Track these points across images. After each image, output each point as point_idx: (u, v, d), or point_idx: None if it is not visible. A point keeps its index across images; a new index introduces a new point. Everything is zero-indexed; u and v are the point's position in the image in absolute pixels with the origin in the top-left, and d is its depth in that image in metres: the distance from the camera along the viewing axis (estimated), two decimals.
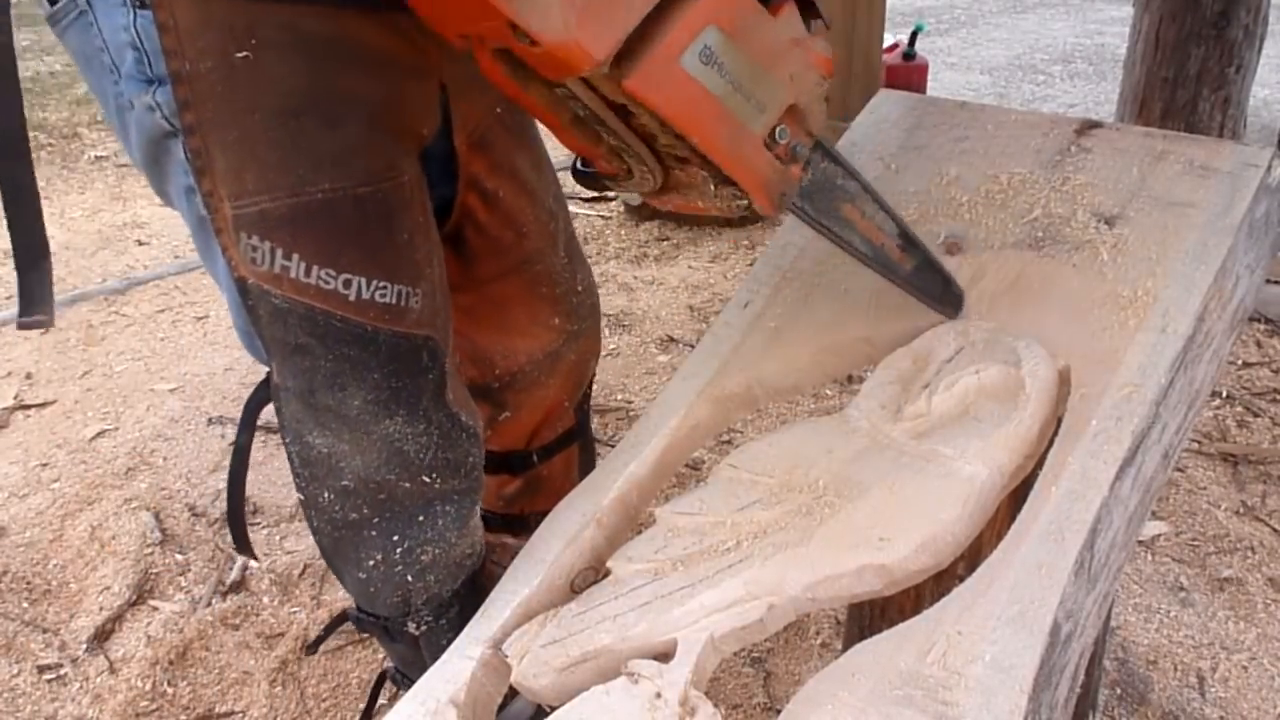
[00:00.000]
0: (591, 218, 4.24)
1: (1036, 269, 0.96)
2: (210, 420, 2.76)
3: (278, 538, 2.32)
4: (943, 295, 0.95)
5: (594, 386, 3.03)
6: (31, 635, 1.97)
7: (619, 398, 2.87)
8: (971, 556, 0.79)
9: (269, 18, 0.87)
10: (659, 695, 0.74)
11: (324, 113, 0.91)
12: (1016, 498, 0.81)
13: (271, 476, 2.54)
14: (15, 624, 1.99)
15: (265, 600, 2.12)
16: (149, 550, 2.26)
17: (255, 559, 2.01)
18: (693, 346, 1.05)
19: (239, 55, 0.85)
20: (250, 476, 2.56)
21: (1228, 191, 0.94)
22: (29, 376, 3.00)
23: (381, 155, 0.97)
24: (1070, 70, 6.61)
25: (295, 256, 0.93)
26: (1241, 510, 2.31)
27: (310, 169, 0.91)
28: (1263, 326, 3.11)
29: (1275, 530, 2.24)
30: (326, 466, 1.06)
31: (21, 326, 0.95)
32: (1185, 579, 2.10)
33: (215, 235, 0.93)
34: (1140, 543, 2.19)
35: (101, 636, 1.97)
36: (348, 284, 0.95)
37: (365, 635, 1.79)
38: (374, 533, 1.11)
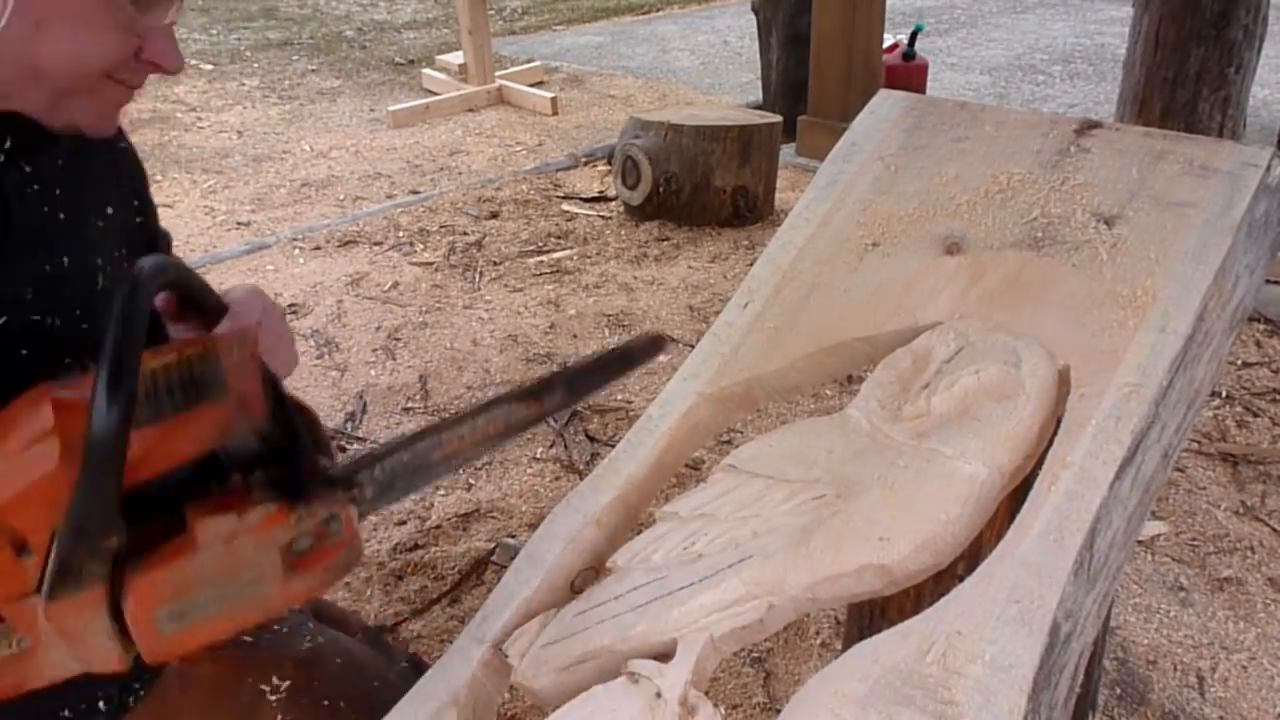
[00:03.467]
0: (591, 218, 4.24)
1: (1036, 269, 0.96)
2: None
3: None
4: (624, 362, 0.89)
5: None
6: None
7: (619, 398, 2.88)
8: (971, 556, 0.79)
9: None
10: (659, 695, 0.74)
11: None
12: (1016, 498, 0.81)
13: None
14: None
15: None
16: None
17: None
18: (693, 346, 1.05)
19: None
20: None
21: (1227, 191, 0.94)
22: None
23: None
24: (1070, 70, 6.61)
25: None
26: (1241, 510, 2.31)
27: None
28: (1263, 326, 3.11)
29: (1275, 530, 2.24)
30: None
31: None
32: (1185, 579, 2.11)
33: None
34: (1140, 543, 2.19)
35: None
36: None
37: None
38: None
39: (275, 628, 1.19)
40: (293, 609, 0.86)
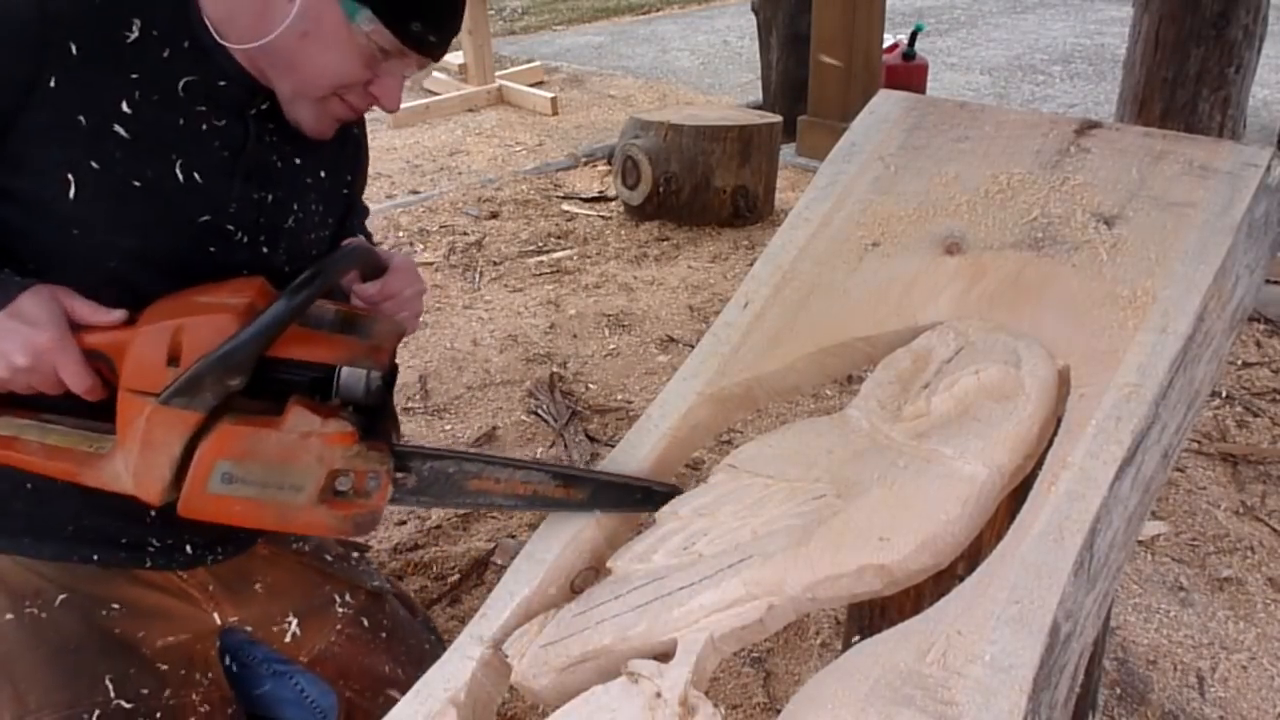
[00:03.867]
0: (592, 218, 4.24)
1: (1036, 269, 0.96)
2: None
3: None
4: (644, 500, 0.96)
5: (595, 386, 3.04)
6: None
7: (619, 398, 2.88)
8: (971, 556, 0.79)
9: (51, 580, 1.13)
10: (659, 695, 0.74)
11: (98, 648, 1.12)
12: (1016, 498, 0.81)
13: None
14: None
15: None
16: None
17: None
18: (693, 346, 1.05)
19: (26, 609, 1.10)
20: None
21: (1227, 191, 0.94)
22: None
23: (152, 676, 1.14)
24: (1070, 70, 6.61)
25: None
26: (1241, 510, 2.31)
27: (86, 691, 1.08)
28: (1263, 326, 3.11)
29: (1275, 530, 2.24)
30: None
31: None
32: (1185, 579, 2.11)
33: None
34: (1140, 543, 2.19)
35: None
36: None
37: None
38: None
39: (354, 559, 1.40)
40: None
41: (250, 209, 1.12)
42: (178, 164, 1.05)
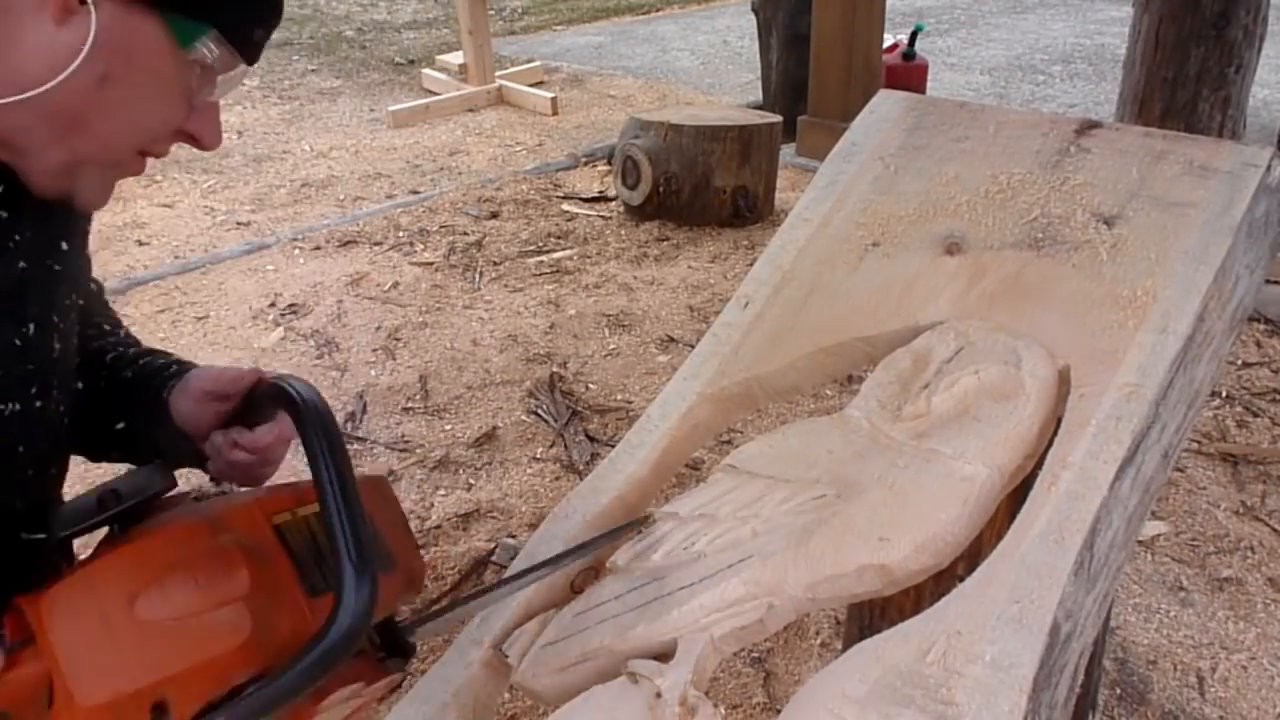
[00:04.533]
0: (591, 218, 4.24)
1: (1036, 269, 0.96)
2: None
3: None
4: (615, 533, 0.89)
5: (595, 386, 3.04)
6: None
7: (619, 398, 2.88)
8: (971, 556, 0.79)
9: None
10: (659, 695, 0.74)
11: None
12: (1016, 498, 0.81)
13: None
14: None
15: None
16: None
17: None
18: (693, 346, 1.05)
19: None
20: None
21: (1227, 191, 0.94)
22: None
23: None
24: (1070, 70, 6.61)
25: None
26: (1241, 510, 2.31)
27: None
28: (1263, 326, 3.11)
29: (1275, 530, 2.24)
30: None
31: None
32: (1185, 579, 2.11)
33: None
34: (1140, 543, 2.19)
35: None
36: None
37: None
38: None
39: None
40: None
41: (13, 362, 0.76)
42: None
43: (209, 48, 0.72)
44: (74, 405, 0.86)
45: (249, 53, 0.76)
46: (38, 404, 0.79)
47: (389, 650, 0.72)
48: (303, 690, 0.56)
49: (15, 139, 0.69)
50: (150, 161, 0.79)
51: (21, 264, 0.75)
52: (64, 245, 0.82)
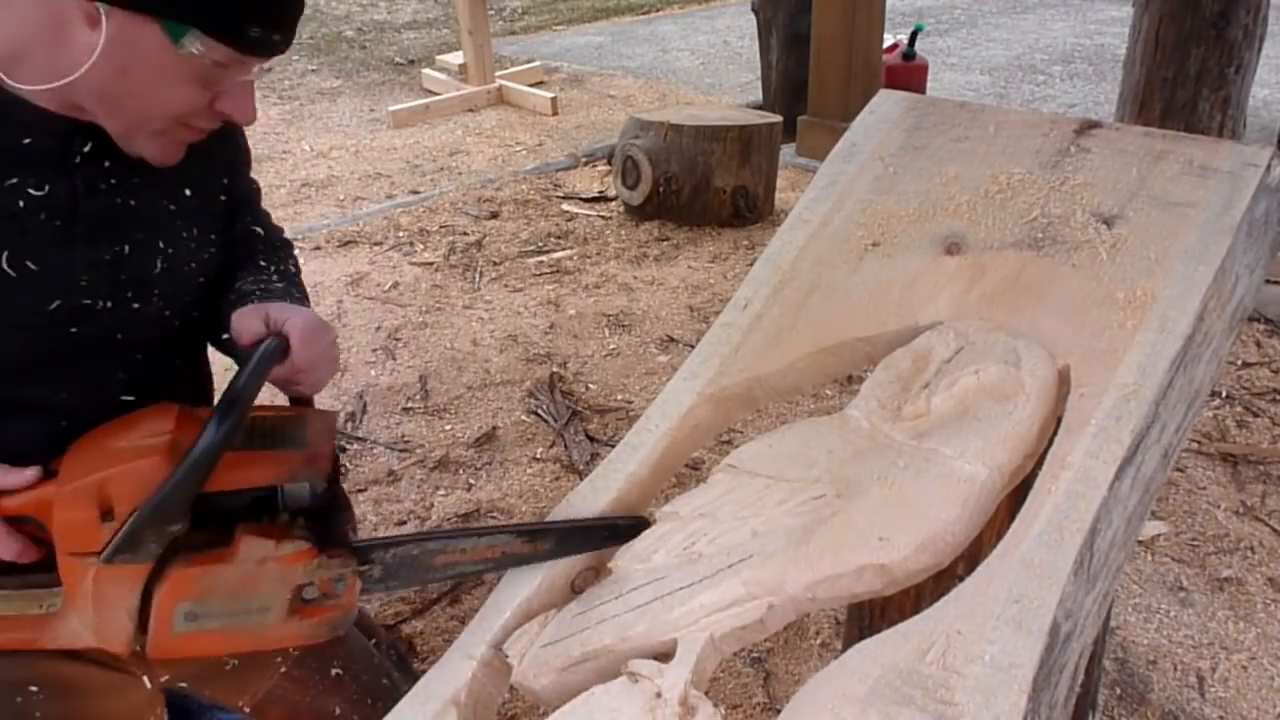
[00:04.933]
0: (591, 218, 4.24)
1: (1036, 269, 0.96)
2: None
3: None
4: (610, 536, 0.94)
5: (595, 386, 3.04)
6: None
7: (619, 398, 2.88)
8: (971, 556, 0.79)
9: None
10: (659, 695, 0.74)
11: None
12: (1016, 497, 0.81)
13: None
14: None
15: None
16: None
17: None
18: (693, 346, 1.05)
19: None
20: None
21: (1227, 191, 0.94)
22: None
23: None
24: (1070, 70, 6.61)
25: None
26: (1241, 510, 2.31)
27: None
28: (1263, 326, 3.11)
29: (1275, 530, 2.24)
30: None
31: None
32: (1185, 579, 2.11)
33: None
34: (1140, 543, 2.19)
35: None
36: None
37: None
38: None
39: None
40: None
41: (105, 271, 0.99)
42: (3, 257, 0.91)
43: (198, 44, 0.86)
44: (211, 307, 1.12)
45: (246, 46, 0.89)
46: (135, 305, 1.02)
47: (320, 534, 0.90)
48: (180, 487, 0.82)
49: (86, 112, 0.91)
50: None
51: (118, 199, 0.99)
52: (187, 192, 1.06)
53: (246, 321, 1.03)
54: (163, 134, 0.94)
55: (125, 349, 1.05)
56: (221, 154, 1.13)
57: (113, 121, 0.92)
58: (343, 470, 1.01)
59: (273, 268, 1.19)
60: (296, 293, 1.16)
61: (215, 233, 1.13)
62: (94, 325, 1.00)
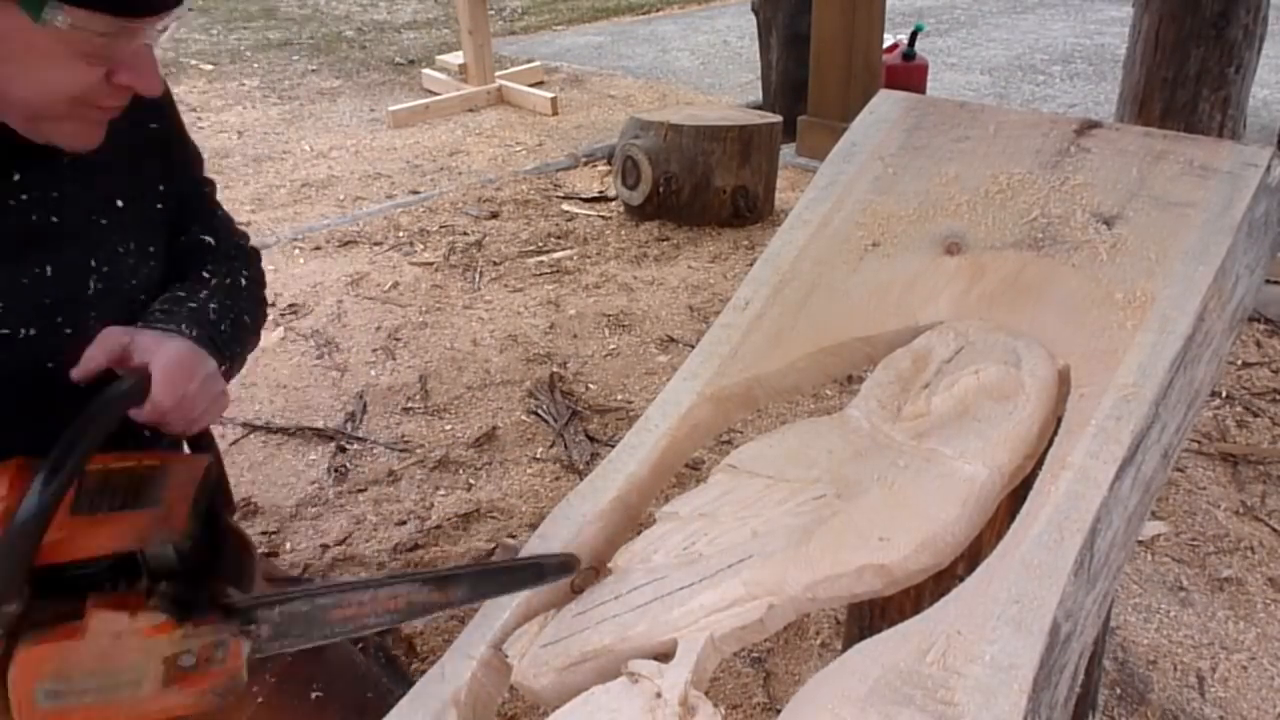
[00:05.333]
0: (591, 218, 4.24)
1: (1036, 269, 0.96)
2: None
3: (279, 539, 2.32)
4: (538, 576, 0.88)
5: (595, 386, 3.03)
6: None
7: (619, 398, 2.88)
8: (971, 556, 0.79)
9: None
10: (659, 695, 0.74)
11: None
12: (1016, 497, 0.81)
13: (272, 476, 2.54)
14: None
15: None
16: None
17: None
18: (693, 346, 1.05)
19: None
20: (250, 476, 2.57)
21: (1227, 191, 0.94)
22: None
23: None
24: (1070, 70, 6.61)
25: None
26: (1241, 510, 2.31)
27: None
28: (1263, 326, 3.11)
29: (1275, 530, 2.24)
30: None
31: None
32: (1185, 579, 2.11)
33: None
34: (1140, 543, 2.19)
35: None
36: None
37: None
38: None
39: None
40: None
41: (27, 295, 0.91)
42: None
43: (60, 15, 0.79)
44: None
45: (117, 7, 0.81)
46: (67, 331, 0.94)
47: (187, 600, 0.82)
48: (3, 565, 0.73)
49: None
50: None
51: (34, 217, 0.91)
52: (119, 203, 0.98)
53: (92, 350, 0.92)
54: (69, 119, 0.87)
55: (57, 379, 0.95)
56: (154, 160, 1.04)
57: (11, 115, 0.86)
58: (235, 507, 0.90)
59: (212, 280, 1.09)
60: (192, 325, 1.01)
61: (156, 244, 1.04)
62: (21, 358, 0.92)
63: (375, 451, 2.65)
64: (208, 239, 1.14)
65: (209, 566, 0.86)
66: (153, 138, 1.01)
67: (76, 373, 0.91)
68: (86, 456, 0.78)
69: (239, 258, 1.17)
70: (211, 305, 1.06)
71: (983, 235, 1.00)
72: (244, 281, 1.13)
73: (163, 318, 1.00)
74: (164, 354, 0.91)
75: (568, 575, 0.89)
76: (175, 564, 0.83)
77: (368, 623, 0.85)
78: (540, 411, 2.80)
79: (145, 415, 0.91)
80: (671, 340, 3.19)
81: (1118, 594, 2.04)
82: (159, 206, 1.05)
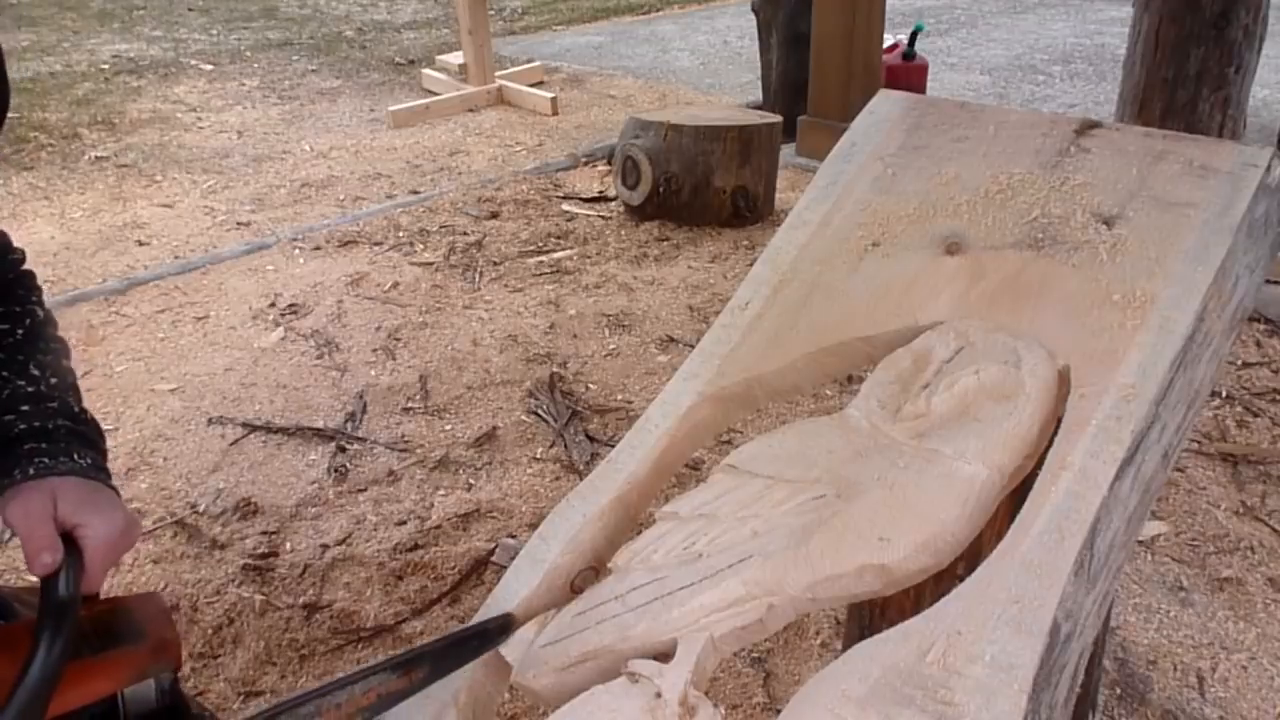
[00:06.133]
0: (591, 218, 4.24)
1: (1036, 269, 0.96)
2: (210, 420, 2.76)
3: (279, 539, 2.32)
4: (481, 643, 0.87)
5: (595, 386, 3.03)
6: None
7: (619, 398, 2.88)
8: (971, 556, 0.79)
9: None
10: (659, 695, 0.74)
11: None
12: (1016, 497, 0.81)
13: (271, 476, 2.54)
14: None
15: (268, 598, 2.12)
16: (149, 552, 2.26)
17: None
18: (693, 346, 1.05)
19: None
20: (250, 476, 2.57)
21: (1227, 192, 0.94)
22: None
23: None
24: (1070, 70, 6.61)
25: None
26: (1241, 510, 2.31)
27: None
28: (1263, 326, 3.11)
29: (1275, 530, 2.24)
30: None
31: None
32: (1185, 579, 2.11)
33: None
34: (1140, 543, 2.19)
35: None
36: None
37: None
38: None
39: None
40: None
41: None
42: None
43: None
44: None
45: None
46: None
47: None
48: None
49: None
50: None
51: None
52: None
53: (35, 533, 0.84)
54: None
55: None
56: None
57: None
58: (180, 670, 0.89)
59: (31, 364, 0.97)
60: (80, 448, 0.92)
61: None
62: None
63: (375, 451, 2.65)
64: None
65: (180, 704, 0.84)
66: None
67: (37, 570, 0.83)
68: (76, 614, 0.76)
69: (21, 281, 1.04)
70: (68, 389, 0.97)
71: (983, 235, 1.00)
72: (41, 314, 1.02)
73: (45, 445, 0.91)
74: (94, 531, 0.85)
75: (507, 635, 0.88)
76: (153, 704, 0.81)
77: None
78: (540, 411, 2.80)
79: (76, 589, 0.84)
80: (671, 340, 3.19)
81: (1118, 594, 2.04)
82: None
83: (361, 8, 9.46)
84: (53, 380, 0.96)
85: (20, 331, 0.98)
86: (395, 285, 3.64)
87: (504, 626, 0.88)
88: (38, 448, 0.89)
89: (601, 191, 4.54)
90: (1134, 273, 0.91)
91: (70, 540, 0.83)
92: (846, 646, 0.90)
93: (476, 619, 0.91)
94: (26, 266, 1.06)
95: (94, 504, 0.87)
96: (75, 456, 0.91)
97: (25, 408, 0.93)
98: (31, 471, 0.87)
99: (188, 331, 3.33)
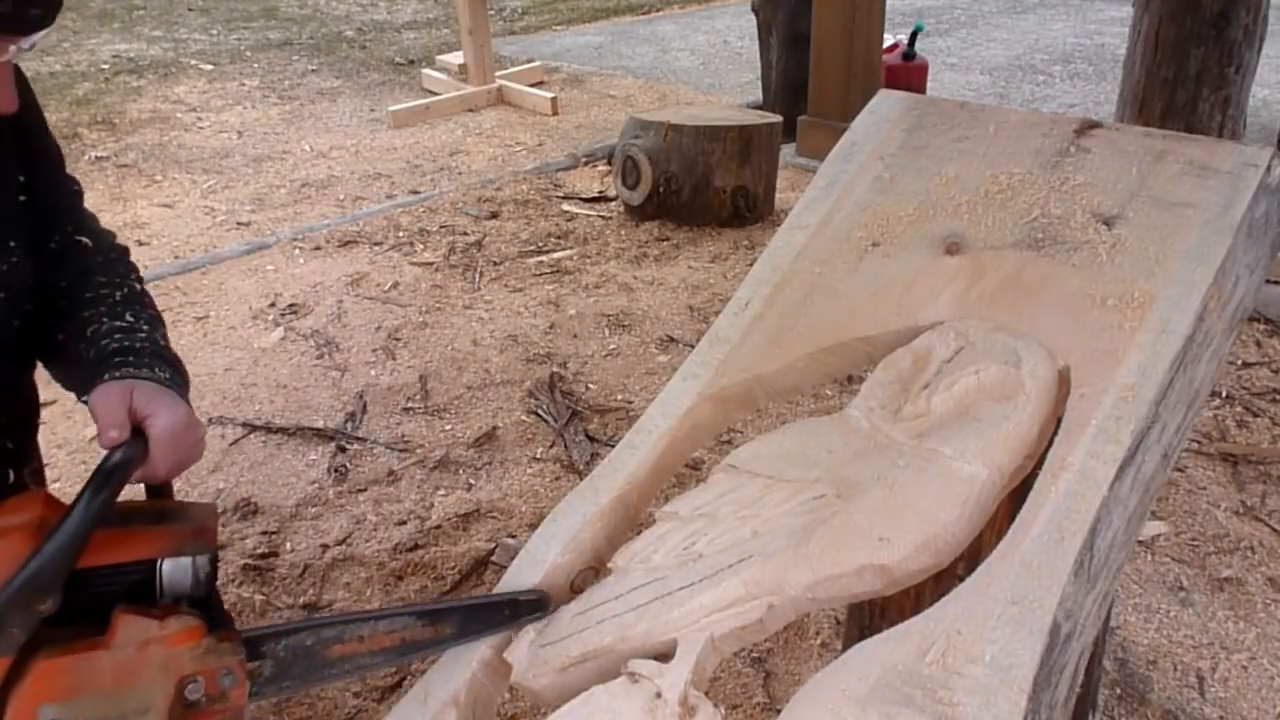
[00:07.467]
0: (591, 218, 4.24)
1: (1036, 269, 0.96)
2: (210, 420, 2.76)
3: (279, 539, 2.32)
4: (512, 615, 0.90)
5: (595, 386, 3.03)
6: None
7: (619, 398, 2.88)
8: (971, 556, 0.79)
9: None
10: (659, 695, 0.74)
11: None
12: (1016, 498, 0.81)
13: (271, 476, 2.54)
14: None
15: (268, 598, 2.12)
16: None
17: None
18: (693, 346, 1.05)
19: None
20: (250, 476, 2.57)
21: (1227, 191, 0.94)
22: None
23: None
24: (1070, 70, 6.61)
25: None
26: (1241, 510, 2.31)
27: None
28: (1263, 326, 3.11)
29: (1275, 530, 2.24)
30: None
31: None
32: (1185, 579, 2.11)
33: None
34: (1140, 543, 2.19)
35: None
36: None
37: None
38: None
39: None
40: None
41: None
42: None
43: None
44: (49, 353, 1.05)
45: (10, 26, 0.82)
46: None
47: (207, 615, 0.83)
48: (54, 557, 0.74)
49: None
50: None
51: None
52: None
53: (110, 413, 0.92)
54: None
55: None
56: (10, 150, 1.02)
57: None
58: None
59: (127, 313, 1.07)
60: (160, 365, 1.03)
61: (18, 239, 1.02)
62: None
63: (375, 451, 2.65)
64: (83, 240, 1.12)
65: (212, 600, 0.87)
66: (5, 126, 0.98)
67: (104, 443, 0.90)
68: (126, 479, 0.81)
69: (121, 263, 1.14)
70: (158, 334, 1.07)
71: (983, 235, 1.00)
72: (139, 287, 1.13)
73: (131, 359, 1.00)
74: (161, 420, 0.92)
75: (541, 611, 0.90)
76: (190, 588, 0.84)
77: (363, 662, 0.85)
78: (540, 411, 2.80)
79: (139, 477, 0.91)
80: (671, 340, 3.19)
81: (1118, 594, 2.04)
82: (21, 199, 1.03)
83: (361, 8, 9.46)
84: (144, 327, 1.07)
85: (119, 294, 1.09)
86: (395, 285, 3.64)
87: (537, 604, 0.90)
88: (125, 360, 1.00)
89: (601, 191, 4.54)
90: (1134, 273, 0.91)
91: (139, 432, 0.91)
92: (846, 646, 0.90)
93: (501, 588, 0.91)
94: (122, 243, 1.18)
95: (163, 400, 0.95)
96: (156, 370, 1.01)
97: (119, 335, 1.04)
98: (117, 375, 0.97)
99: (188, 331, 3.33)
